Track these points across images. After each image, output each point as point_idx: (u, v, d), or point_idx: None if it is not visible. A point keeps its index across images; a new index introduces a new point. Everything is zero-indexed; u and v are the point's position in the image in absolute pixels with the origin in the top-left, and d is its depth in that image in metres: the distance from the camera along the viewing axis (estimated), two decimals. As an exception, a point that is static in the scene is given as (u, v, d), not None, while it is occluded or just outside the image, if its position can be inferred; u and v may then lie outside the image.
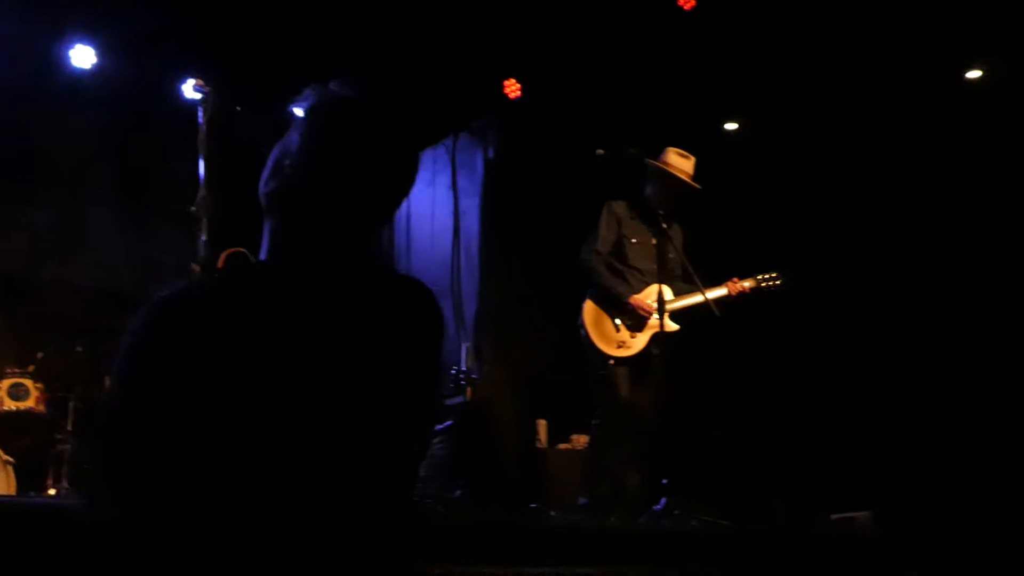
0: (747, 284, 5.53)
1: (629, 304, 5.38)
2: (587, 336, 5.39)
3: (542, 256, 6.77)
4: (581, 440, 6.46)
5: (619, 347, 5.38)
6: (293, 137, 1.77)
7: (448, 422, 6.13)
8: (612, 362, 5.34)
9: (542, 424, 6.55)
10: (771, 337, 6.83)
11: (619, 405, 5.34)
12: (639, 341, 5.41)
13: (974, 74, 6.44)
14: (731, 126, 7.43)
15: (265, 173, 1.79)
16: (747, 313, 5.60)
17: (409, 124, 1.79)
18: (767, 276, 5.60)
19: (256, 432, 1.57)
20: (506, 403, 6.56)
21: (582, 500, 5.43)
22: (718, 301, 5.34)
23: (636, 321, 5.42)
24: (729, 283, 5.51)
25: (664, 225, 5.45)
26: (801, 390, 6.81)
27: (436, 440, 6.01)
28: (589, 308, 5.48)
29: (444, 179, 7.52)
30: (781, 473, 6.38)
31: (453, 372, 6.45)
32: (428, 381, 1.79)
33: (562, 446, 6.46)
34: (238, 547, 1.53)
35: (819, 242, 6.81)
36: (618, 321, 5.42)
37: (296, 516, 1.56)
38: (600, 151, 5.24)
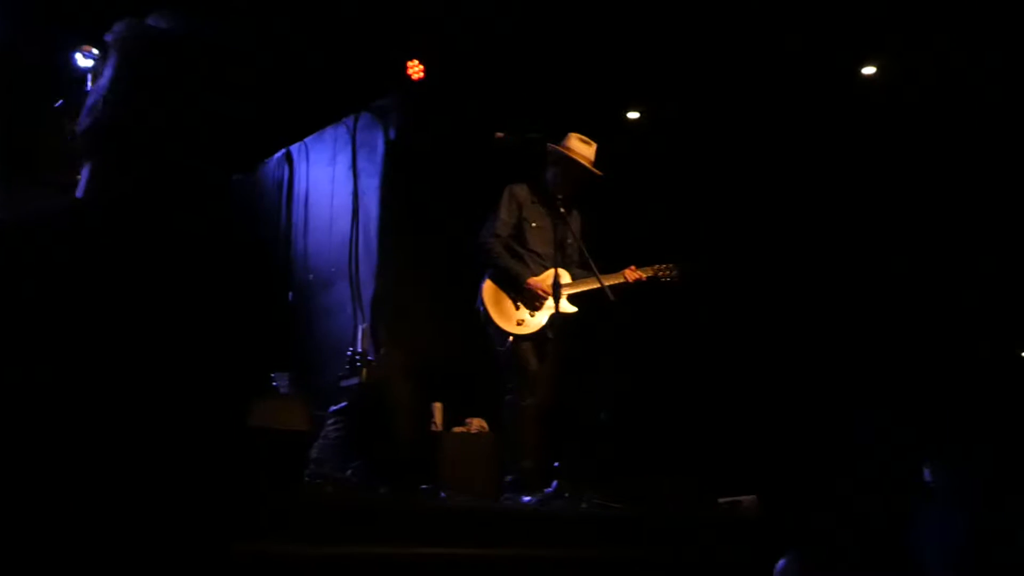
0: (643, 274, 5.59)
1: (527, 286, 5.39)
2: (486, 313, 5.42)
3: (441, 239, 6.74)
4: (476, 423, 6.41)
5: (518, 324, 5.40)
6: (106, 71, 1.70)
7: (342, 403, 6.00)
8: (511, 339, 5.36)
9: (438, 407, 6.42)
10: (664, 324, 7.03)
11: (528, 376, 5.38)
12: (536, 321, 5.43)
13: (869, 70, 6.63)
14: (633, 115, 7.47)
15: (82, 111, 1.72)
16: (643, 299, 5.68)
17: (219, 59, 1.72)
18: (664, 267, 5.67)
19: (52, 373, 1.53)
20: (401, 385, 6.26)
21: (508, 478, 5.42)
22: (614, 288, 5.37)
23: (534, 303, 5.44)
24: (627, 271, 5.56)
25: (563, 210, 5.47)
26: (691, 377, 7.05)
27: (330, 421, 5.88)
28: (488, 287, 5.49)
29: (344, 159, 7.38)
30: (670, 457, 6.47)
31: (349, 353, 6.30)
32: (222, 344, 1.70)
33: (457, 429, 6.38)
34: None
35: (715, 232, 7.13)
36: (516, 300, 5.45)
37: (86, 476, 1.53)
38: (500, 134, 5.25)
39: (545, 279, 5.49)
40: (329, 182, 7.51)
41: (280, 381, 5.63)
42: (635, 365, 6.98)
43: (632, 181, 7.20)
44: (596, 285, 5.41)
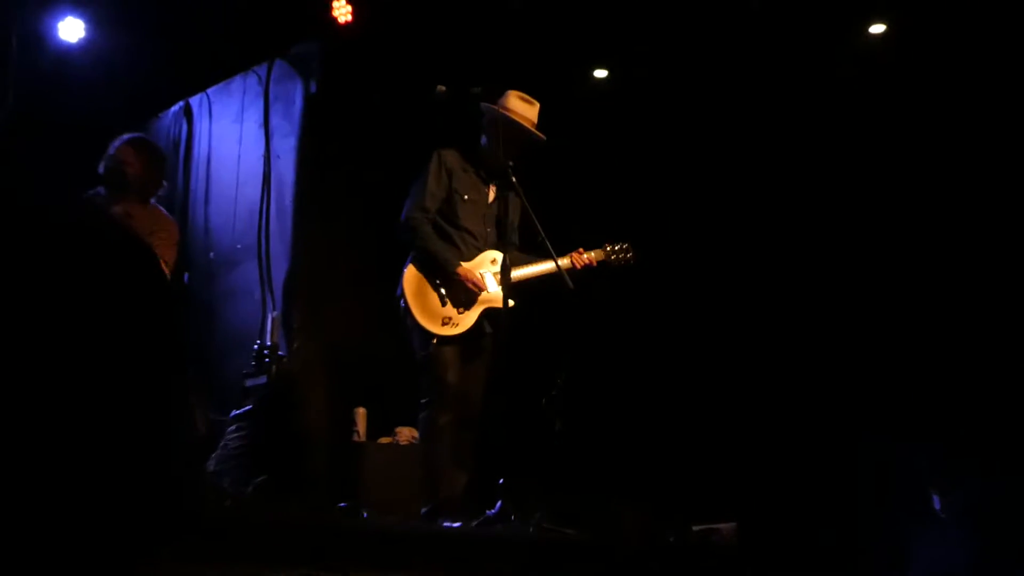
0: (593, 255, 5.60)
1: (457, 275, 5.34)
2: (407, 309, 5.36)
3: (367, 212, 6.69)
4: (406, 434, 6.51)
5: (444, 324, 5.34)
6: None
7: (246, 406, 6.06)
8: (435, 341, 5.30)
9: (361, 413, 6.52)
10: (630, 318, 7.15)
11: (447, 391, 5.33)
12: (468, 318, 5.38)
13: (877, 29, 6.74)
14: (600, 73, 7.44)
15: None
16: (591, 291, 5.68)
17: None
18: (616, 247, 5.67)
19: None
20: (318, 386, 6.45)
21: (424, 509, 5.40)
22: (561, 274, 5.35)
23: (464, 295, 5.40)
24: (574, 254, 5.55)
25: (502, 181, 5.46)
26: (663, 381, 7.09)
27: (232, 428, 5.96)
28: (411, 275, 5.43)
29: (255, 115, 7.25)
30: (636, 475, 6.59)
31: (256, 347, 6.35)
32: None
33: (384, 440, 6.48)
34: None
35: (686, 214, 7.20)
36: (444, 292, 5.38)
37: None
38: (441, 88, 5.22)
39: (479, 265, 5.46)
40: (236, 142, 7.43)
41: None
42: (595, 366, 6.97)
43: (587, 149, 7.29)
44: (539, 270, 5.43)
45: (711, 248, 7.20)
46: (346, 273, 6.85)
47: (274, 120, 7.11)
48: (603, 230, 5.83)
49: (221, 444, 5.87)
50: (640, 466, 6.79)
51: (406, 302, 5.34)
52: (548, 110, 5.58)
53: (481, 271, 5.41)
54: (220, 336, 6.98)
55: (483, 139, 5.54)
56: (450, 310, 5.35)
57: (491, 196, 5.56)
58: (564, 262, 5.42)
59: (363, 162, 6.86)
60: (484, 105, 5.41)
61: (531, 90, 5.59)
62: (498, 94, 5.51)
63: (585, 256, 5.54)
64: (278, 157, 7.04)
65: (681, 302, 7.21)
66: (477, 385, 5.43)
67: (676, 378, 7.11)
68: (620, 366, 7.19)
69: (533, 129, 5.46)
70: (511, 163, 5.34)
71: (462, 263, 5.36)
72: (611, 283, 5.89)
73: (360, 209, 6.81)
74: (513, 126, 5.41)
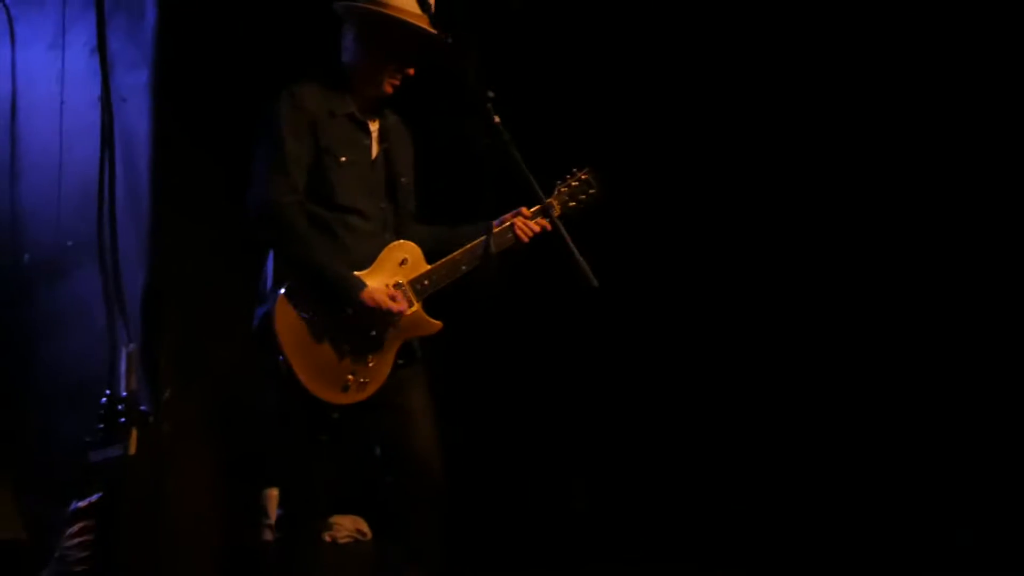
0: (543, 220, 5.02)
1: (359, 303, 4.62)
2: (290, 372, 4.61)
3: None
4: (347, 525, 6.35)
5: (346, 388, 4.66)
6: None
7: (92, 495, 5.75)
8: (336, 415, 4.69)
9: (273, 496, 6.03)
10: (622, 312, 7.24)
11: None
12: (382, 367, 4.73)
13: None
14: None
15: None
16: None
17: None
18: (574, 182, 5.15)
19: None
20: (202, 458, 6.10)
21: None
22: (498, 251, 4.93)
23: (372, 332, 4.72)
24: (516, 221, 4.97)
25: (384, 120, 4.99)
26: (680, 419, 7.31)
27: (71, 529, 5.68)
28: (286, 316, 4.64)
29: (82, 35, 6.69)
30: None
31: (103, 401, 5.93)
32: None
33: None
34: None
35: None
36: (340, 336, 4.68)
37: None
38: None
39: (384, 270, 4.80)
40: (55, 80, 6.87)
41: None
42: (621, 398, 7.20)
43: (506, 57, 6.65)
44: (468, 256, 4.89)
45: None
46: (237, 281, 5.85)
47: (114, 43, 6.57)
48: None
49: (55, 556, 5.66)
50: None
51: (285, 359, 4.59)
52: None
53: (391, 283, 4.72)
54: (42, 384, 6.55)
55: (349, 55, 4.94)
56: (353, 364, 4.67)
57: (374, 149, 4.93)
58: (502, 236, 4.95)
59: (255, 104, 5.97)
60: (341, 3, 4.91)
61: None
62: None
63: (533, 221, 4.96)
64: (124, 100, 6.52)
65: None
66: (420, 438, 4.86)
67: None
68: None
69: (425, 25, 4.85)
70: (376, 94, 4.91)
71: (361, 278, 4.71)
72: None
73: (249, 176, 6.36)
74: (392, 26, 4.82)
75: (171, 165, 6.32)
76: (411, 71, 4.94)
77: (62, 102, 6.80)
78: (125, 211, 6.42)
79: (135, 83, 6.45)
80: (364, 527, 6.20)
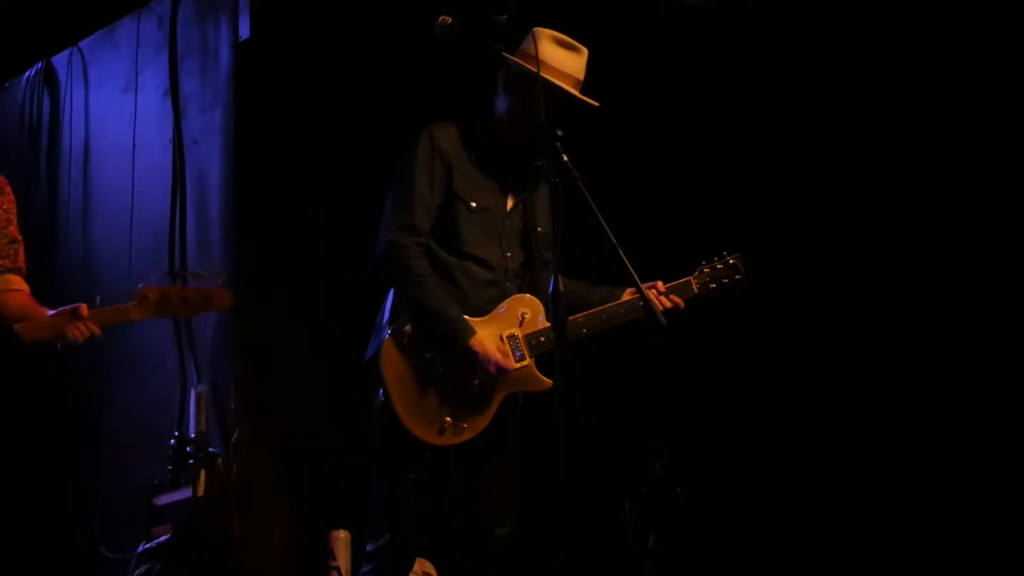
0: (678, 297, 4.95)
1: (469, 350, 4.60)
2: (392, 410, 4.63)
3: (336, 226, 6.40)
4: (416, 569, 5.57)
5: (443, 431, 4.65)
6: None
7: (160, 537, 5.84)
8: (430, 455, 4.67)
9: (342, 539, 6.05)
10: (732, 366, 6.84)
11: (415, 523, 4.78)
12: (481, 419, 4.69)
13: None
14: None
15: None
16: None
17: None
18: (719, 265, 5.06)
19: None
20: (274, 499, 6.10)
21: None
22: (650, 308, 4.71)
23: (477, 381, 4.71)
24: (651, 292, 4.86)
25: (529, 173, 4.89)
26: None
27: (138, 571, 5.79)
28: (394, 354, 4.67)
29: (156, 78, 6.91)
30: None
31: (172, 443, 6.13)
32: None
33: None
34: None
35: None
36: (445, 381, 4.70)
37: None
38: (446, 18, 4.48)
39: (501, 321, 4.78)
40: (127, 121, 7.09)
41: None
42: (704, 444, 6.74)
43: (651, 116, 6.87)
44: (619, 312, 4.82)
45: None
46: (308, 322, 6.44)
47: (186, 86, 6.79)
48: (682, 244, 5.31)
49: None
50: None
51: (386, 393, 4.61)
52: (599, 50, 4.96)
53: (506, 335, 4.71)
54: (114, 426, 6.70)
55: (501, 106, 4.84)
56: (453, 408, 4.64)
57: (511, 200, 4.88)
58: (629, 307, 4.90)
59: (330, 147, 6.48)
60: (507, 56, 4.72)
61: (580, 16, 5.22)
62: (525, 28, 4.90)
63: (664, 297, 4.85)
64: (196, 143, 6.69)
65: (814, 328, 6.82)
66: (497, 499, 4.82)
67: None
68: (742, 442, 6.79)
69: (575, 91, 4.77)
70: (521, 146, 4.79)
71: (473, 325, 4.70)
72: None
73: (325, 221, 6.51)
74: (549, 90, 4.62)
75: (241, 208, 6.43)
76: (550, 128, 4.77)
77: (134, 144, 7.01)
78: (195, 254, 6.58)
79: (208, 125, 6.62)
80: (431, 571, 5.84)
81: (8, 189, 5.01)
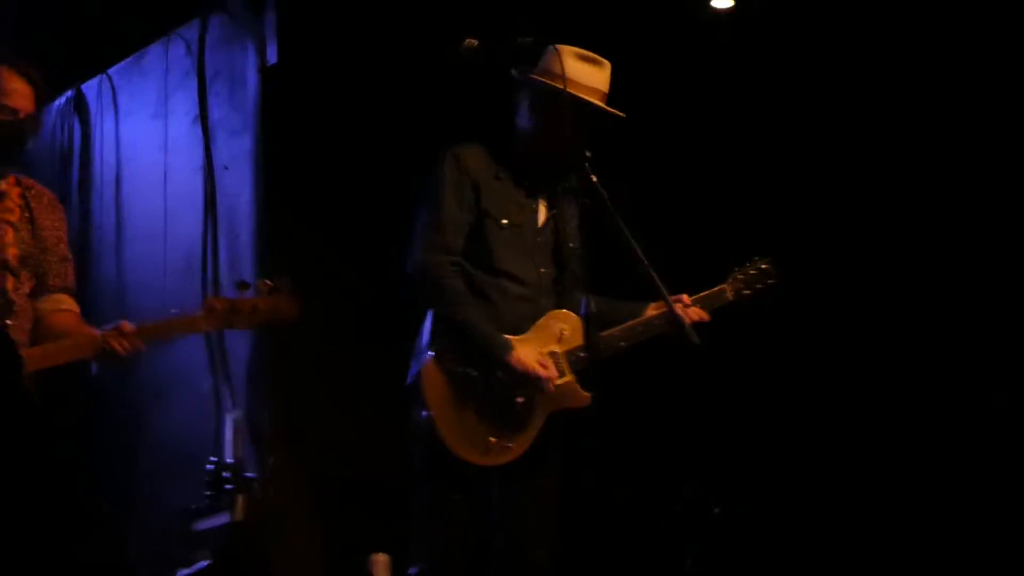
0: (702, 310, 5.01)
1: (509, 365, 4.64)
2: (436, 431, 4.69)
3: (369, 250, 6.35)
4: None
5: (487, 451, 4.70)
6: None
7: (199, 563, 5.82)
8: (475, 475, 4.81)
9: (381, 562, 6.04)
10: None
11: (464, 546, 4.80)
12: (524, 438, 4.73)
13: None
14: (723, 3, 7.01)
15: None
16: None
17: None
18: (752, 271, 5.12)
19: None
20: (308, 523, 6.20)
21: None
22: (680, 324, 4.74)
23: (520, 399, 4.73)
24: (677, 305, 4.84)
25: (558, 188, 4.97)
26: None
27: None
28: (435, 375, 4.71)
29: (185, 104, 6.97)
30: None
31: (209, 468, 6.10)
32: None
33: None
34: None
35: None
36: (485, 399, 4.74)
37: None
38: (472, 42, 4.58)
39: (539, 338, 4.81)
40: (158, 148, 7.16)
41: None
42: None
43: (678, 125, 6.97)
44: (649, 326, 4.88)
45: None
46: (341, 344, 6.52)
47: (215, 111, 6.83)
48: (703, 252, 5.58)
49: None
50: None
51: (429, 413, 4.69)
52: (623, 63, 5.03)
53: (546, 351, 4.74)
54: (149, 452, 6.78)
55: (525, 121, 4.92)
56: (497, 428, 4.73)
57: (542, 216, 4.96)
58: (656, 321, 4.97)
59: (358, 170, 6.51)
60: (528, 75, 4.84)
61: (606, 31, 5.27)
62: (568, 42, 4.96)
63: (692, 311, 4.93)
64: (226, 168, 6.74)
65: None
66: (537, 520, 4.86)
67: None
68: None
69: (601, 103, 4.84)
70: (547, 162, 4.88)
71: (512, 341, 4.73)
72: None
73: (356, 244, 6.54)
74: (574, 104, 4.74)
75: (273, 232, 6.49)
76: (576, 142, 4.82)
77: (165, 171, 7.05)
78: (228, 280, 6.58)
79: (237, 151, 6.66)
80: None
81: (60, 207, 5.04)
